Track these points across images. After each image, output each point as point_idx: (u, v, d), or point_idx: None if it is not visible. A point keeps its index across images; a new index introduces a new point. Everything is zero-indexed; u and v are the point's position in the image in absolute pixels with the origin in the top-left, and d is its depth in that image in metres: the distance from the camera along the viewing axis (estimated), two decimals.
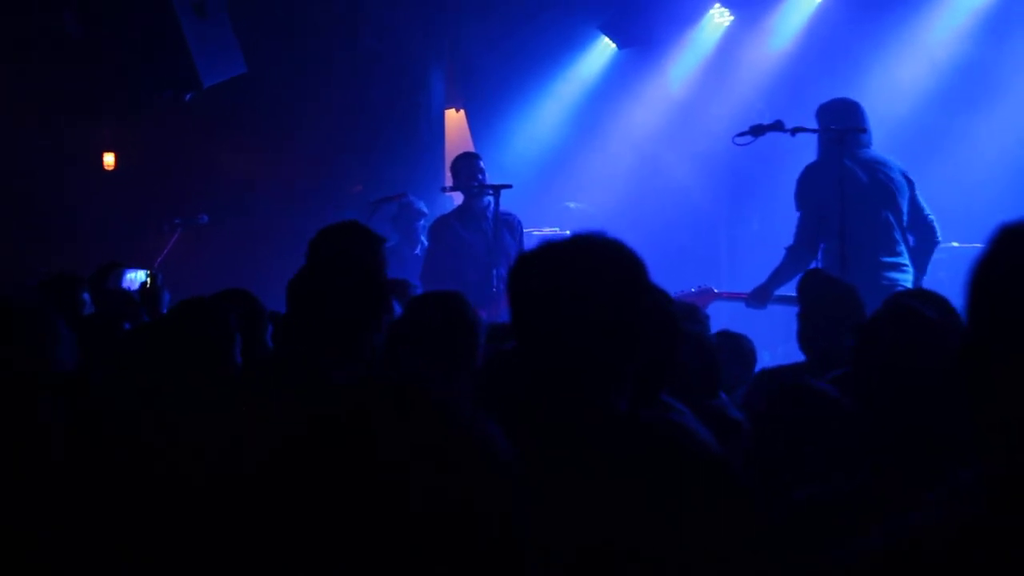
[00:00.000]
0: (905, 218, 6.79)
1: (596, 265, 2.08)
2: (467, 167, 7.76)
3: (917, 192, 6.82)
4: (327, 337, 2.91)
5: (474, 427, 1.34)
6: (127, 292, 5.78)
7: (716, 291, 7.42)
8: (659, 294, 2.84)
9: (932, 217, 6.82)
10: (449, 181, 8.03)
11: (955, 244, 8.39)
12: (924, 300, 3.17)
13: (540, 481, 1.93)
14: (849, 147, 6.58)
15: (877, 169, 6.77)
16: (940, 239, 6.86)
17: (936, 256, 8.10)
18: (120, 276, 5.89)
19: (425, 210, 8.71)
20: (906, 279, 6.70)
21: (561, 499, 1.90)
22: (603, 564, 1.86)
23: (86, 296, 5.34)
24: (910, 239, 6.80)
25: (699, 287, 7.32)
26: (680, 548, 1.90)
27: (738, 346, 4.70)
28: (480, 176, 7.66)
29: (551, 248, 2.14)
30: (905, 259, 6.76)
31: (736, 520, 1.96)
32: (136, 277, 5.90)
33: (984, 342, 1.45)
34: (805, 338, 4.39)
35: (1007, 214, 1.57)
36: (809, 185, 6.78)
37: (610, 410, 2.08)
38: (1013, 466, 1.39)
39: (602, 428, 2.05)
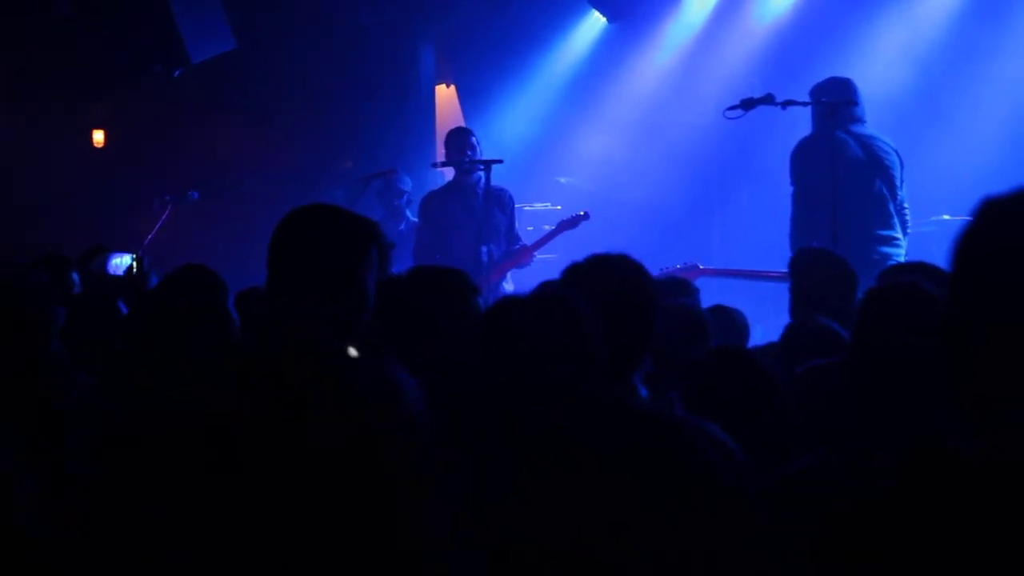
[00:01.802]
0: (899, 193, 6.80)
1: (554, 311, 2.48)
2: (458, 142, 7.73)
3: (904, 176, 6.84)
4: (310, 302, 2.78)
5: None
6: (114, 276, 5.73)
7: (702, 267, 7.42)
8: (633, 270, 2.84)
9: (907, 206, 6.84)
10: (442, 156, 8.01)
11: (945, 217, 8.40)
12: (925, 274, 3.16)
13: (523, 473, 1.95)
14: (842, 121, 6.59)
15: (871, 143, 6.77)
16: (910, 229, 6.87)
17: (926, 229, 8.11)
18: (106, 260, 5.84)
19: (407, 188, 8.68)
20: (898, 253, 6.70)
21: (545, 491, 1.91)
22: (584, 553, 1.87)
23: (75, 276, 5.31)
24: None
25: (684, 263, 7.32)
26: (655, 539, 1.90)
27: (731, 320, 4.70)
28: (470, 152, 7.63)
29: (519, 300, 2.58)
30: (898, 232, 6.77)
31: (719, 509, 1.96)
32: (122, 262, 5.85)
33: (965, 319, 1.42)
34: (796, 314, 4.40)
35: (997, 186, 1.55)
36: (801, 159, 6.79)
37: (587, 397, 2.11)
38: (991, 441, 1.39)
39: (581, 416, 2.07)
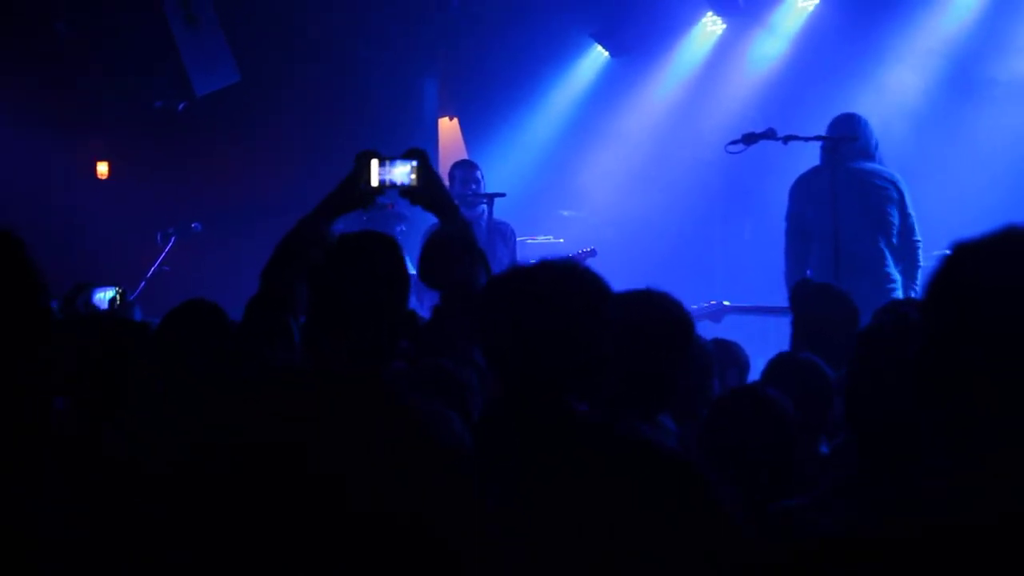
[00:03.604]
0: (895, 231, 6.77)
1: (562, 290, 2.25)
2: (462, 175, 7.76)
3: (910, 210, 6.80)
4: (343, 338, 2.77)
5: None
6: (97, 310, 5.75)
7: (728, 304, 7.45)
8: (669, 304, 2.84)
9: (918, 239, 6.79)
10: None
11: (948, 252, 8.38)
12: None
13: (512, 490, 1.94)
14: (844, 156, 6.60)
15: (867, 179, 6.76)
16: (921, 263, 6.83)
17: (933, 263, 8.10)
18: (89, 296, 5.86)
19: (405, 214, 8.63)
20: (892, 289, 6.69)
21: (533, 509, 1.91)
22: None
23: (53, 304, 5.32)
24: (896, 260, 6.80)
25: (712, 302, 7.37)
26: (650, 561, 1.90)
27: (734, 354, 4.70)
28: (474, 185, 7.65)
29: (520, 275, 2.33)
30: (891, 269, 6.74)
31: (710, 532, 1.96)
32: (105, 296, 5.86)
33: (951, 352, 1.48)
34: (796, 348, 4.39)
35: (1003, 220, 1.58)
36: (792, 194, 6.88)
37: (578, 420, 2.11)
38: (981, 468, 1.41)
39: (572, 437, 2.07)
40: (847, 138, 6.62)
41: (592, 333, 2.24)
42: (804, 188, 6.83)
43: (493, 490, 2.01)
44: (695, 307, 6.78)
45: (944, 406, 1.48)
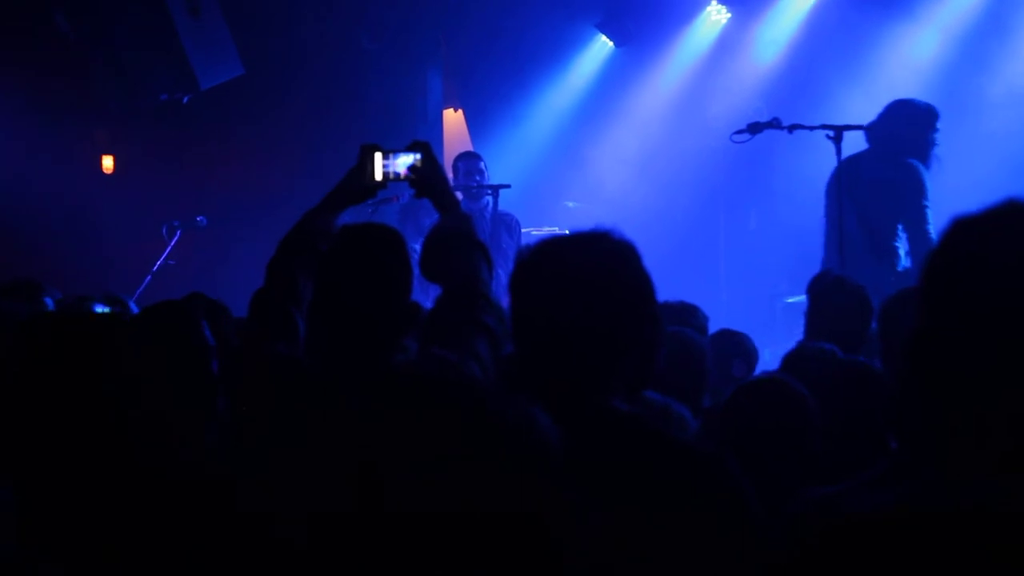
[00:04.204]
0: (906, 221, 6.72)
1: (605, 263, 2.09)
2: (466, 166, 7.75)
3: (925, 200, 6.71)
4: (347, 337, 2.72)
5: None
6: None
7: None
8: None
9: (930, 228, 6.62)
10: (449, 180, 7.99)
11: None
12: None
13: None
14: (871, 145, 6.60)
15: (880, 171, 6.71)
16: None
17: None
18: (89, 310, 5.82)
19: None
20: (893, 279, 6.65)
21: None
22: (598, 562, 1.85)
23: (48, 300, 5.31)
24: (906, 248, 6.75)
25: None
26: (677, 546, 1.88)
27: (740, 344, 4.69)
28: (478, 176, 7.65)
29: (557, 246, 2.16)
30: (900, 261, 6.71)
31: (736, 520, 1.94)
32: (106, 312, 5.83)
33: (939, 337, 1.43)
34: (810, 338, 4.38)
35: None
36: (827, 185, 6.83)
37: (607, 407, 2.07)
38: (972, 461, 1.38)
39: (600, 425, 2.04)
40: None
41: (635, 323, 2.08)
42: (830, 179, 6.78)
43: None
44: None
45: (941, 393, 1.42)
